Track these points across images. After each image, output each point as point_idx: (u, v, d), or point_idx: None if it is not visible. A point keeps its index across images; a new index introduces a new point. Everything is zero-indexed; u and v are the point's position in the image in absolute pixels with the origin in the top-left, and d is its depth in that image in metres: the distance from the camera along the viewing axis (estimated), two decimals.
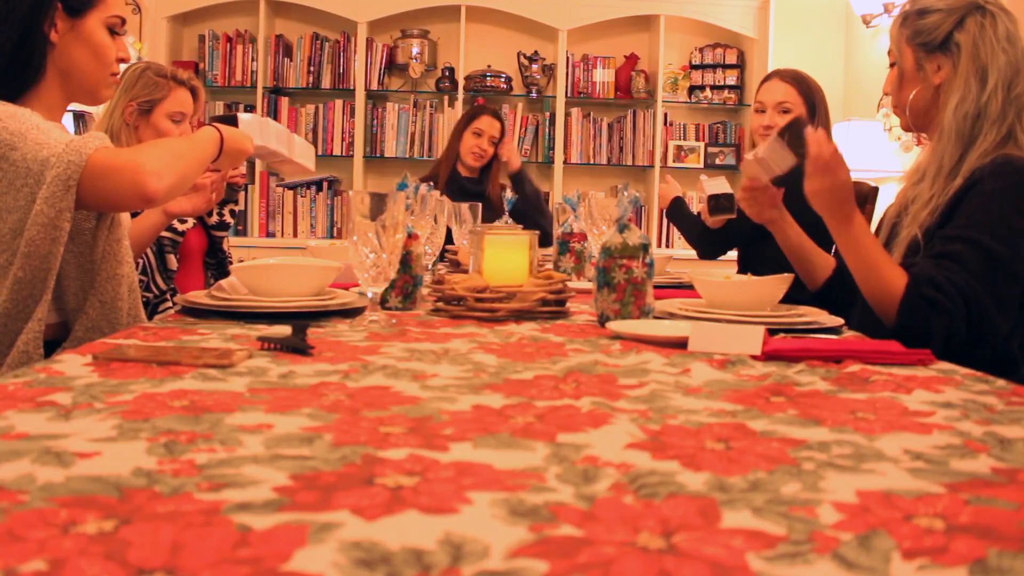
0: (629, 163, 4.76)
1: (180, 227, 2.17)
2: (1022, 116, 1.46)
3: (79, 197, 1.25)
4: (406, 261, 1.48)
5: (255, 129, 1.66)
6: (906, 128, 1.63)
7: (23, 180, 1.26)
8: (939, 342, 1.32)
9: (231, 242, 2.59)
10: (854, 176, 1.57)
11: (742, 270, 2.41)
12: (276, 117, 4.62)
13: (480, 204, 2.26)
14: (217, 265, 2.39)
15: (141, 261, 2.07)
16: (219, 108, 4.60)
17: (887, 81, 1.63)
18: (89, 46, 1.45)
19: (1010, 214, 1.37)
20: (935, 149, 1.51)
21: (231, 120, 1.63)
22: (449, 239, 2.10)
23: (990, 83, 1.45)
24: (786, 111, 2.36)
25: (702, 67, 4.81)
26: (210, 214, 2.31)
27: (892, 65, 1.60)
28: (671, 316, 1.36)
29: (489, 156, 3.45)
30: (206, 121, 1.99)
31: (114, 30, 1.48)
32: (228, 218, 2.35)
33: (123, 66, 1.57)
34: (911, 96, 1.55)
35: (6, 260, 1.26)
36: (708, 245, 2.63)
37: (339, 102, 4.65)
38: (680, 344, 1.12)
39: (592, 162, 4.76)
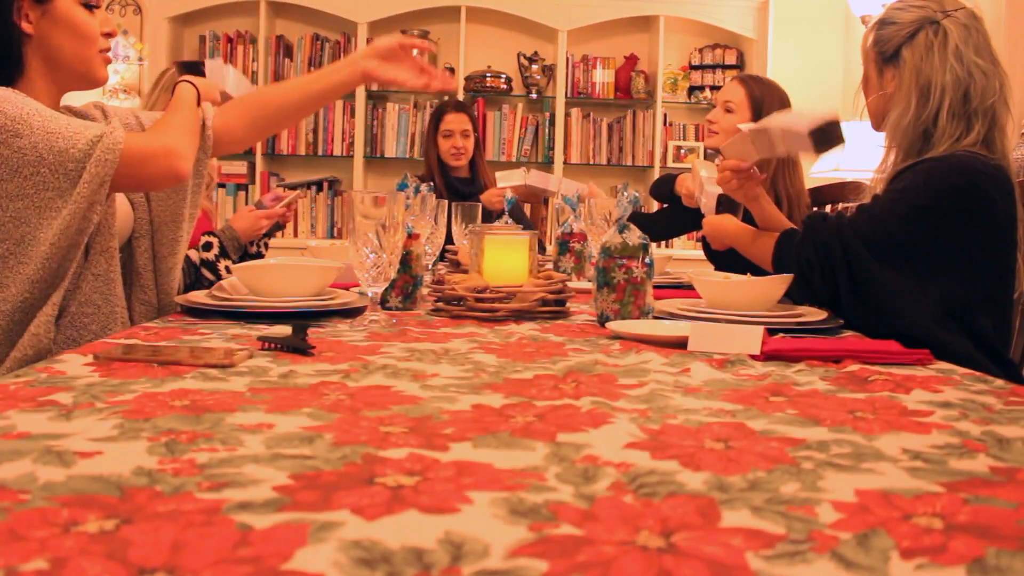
0: (629, 163, 4.76)
1: (227, 276, 2.10)
2: (996, 124, 1.50)
3: (112, 182, 1.30)
4: (406, 261, 1.48)
5: (218, 75, 1.72)
6: (875, 129, 1.68)
7: (32, 168, 1.24)
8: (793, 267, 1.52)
9: None
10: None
11: (708, 255, 2.45)
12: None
13: (480, 205, 2.25)
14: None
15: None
16: None
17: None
18: (67, 27, 1.38)
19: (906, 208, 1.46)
20: (884, 157, 1.59)
21: (197, 67, 1.66)
22: (449, 239, 2.10)
23: (933, 99, 1.49)
24: (728, 111, 2.44)
25: (702, 68, 4.81)
26: (252, 243, 2.31)
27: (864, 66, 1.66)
28: (671, 316, 1.36)
29: (468, 151, 3.35)
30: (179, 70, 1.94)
31: (89, 5, 1.41)
32: (263, 249, 2.37)
33: (119, 45, 1.52)
34: (869, 99, 1.62)
35: (6, 249, 1.25)
36: (653, 233, 2.79)
37: (339, 102, 4.64)
38: (680, 344, 1.12)
39: (592, 162, 4.76)
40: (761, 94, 2.43)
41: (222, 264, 2.07)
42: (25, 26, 1.35)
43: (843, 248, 1.47)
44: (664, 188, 2.70)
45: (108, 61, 1.48)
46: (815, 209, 2.30)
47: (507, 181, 3.13)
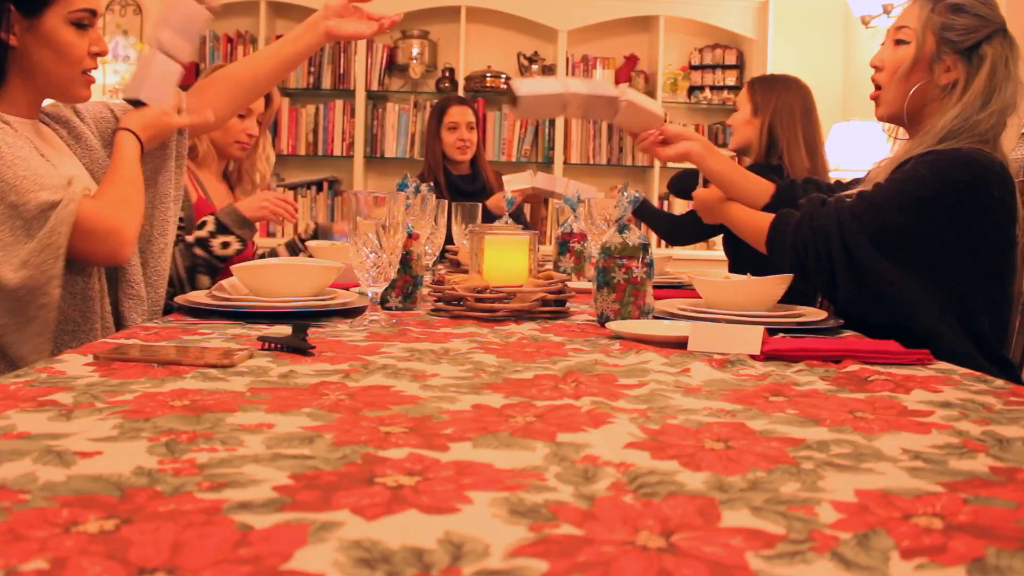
0: (629, 163, 4.76)
1: (221, 252, 2.04)
2: (1002, 133, 1.48)
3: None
4: (406, 261, 1.48)
5: (155, 86, 1.58)
6: (885, 115, 1.60)
7: None
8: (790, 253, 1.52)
9: None
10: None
11: (728, 250, 2.46)
12: (276, 117, 4.62)
13: (480, 205, 2.25)
14: None
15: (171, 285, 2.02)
16: None
17: (883, 57, 1.58)
18: (51, 45, 1.36)
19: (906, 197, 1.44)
20: (911, 148, 1.52)
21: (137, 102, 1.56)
22: (449, 239, 2.09)
23: (991, 106, 1.46)
24: (735, 110, 2.59)
25: (701, 68, 4.82)
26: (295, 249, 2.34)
27: (898, 42, 1.55)
28: (671, 316, 1.36)
29: (473, 144, 3.29)
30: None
31: (81, 24, 1.38)
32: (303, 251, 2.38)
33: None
34: (913, 89, 1.52)
35: None
36: (678, 234, 2.79)
37: (339, 102, 4.65)
38: (680, 344, 1.12)
39: (592, 162, 4.76)
40: (763, 92, 2.51)
41: (217, 240, 2.01)
42: (9, 39, 1.34)
43: (841, 234, 1.45)
44: (688, 182, 2.65)
45: (91, 81, 1.45)
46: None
47: (515, 184, 3.11)
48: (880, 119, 1.64)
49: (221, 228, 2.01)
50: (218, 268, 2.01)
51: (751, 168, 2.14)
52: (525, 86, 1.75)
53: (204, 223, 2.02)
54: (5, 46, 1.34)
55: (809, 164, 2.38)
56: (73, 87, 1.42)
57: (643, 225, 2.84)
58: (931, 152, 1.45)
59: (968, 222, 1.42)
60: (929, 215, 1.42)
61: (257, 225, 2.10)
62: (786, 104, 2.46)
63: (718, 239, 3.38)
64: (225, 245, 2.01)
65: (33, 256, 1.25)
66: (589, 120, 1.76)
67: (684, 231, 2.73)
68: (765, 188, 1.74)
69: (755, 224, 1.64)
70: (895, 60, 1.55)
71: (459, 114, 3.27)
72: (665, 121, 1.82)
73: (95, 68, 1.44)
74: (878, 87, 1.60)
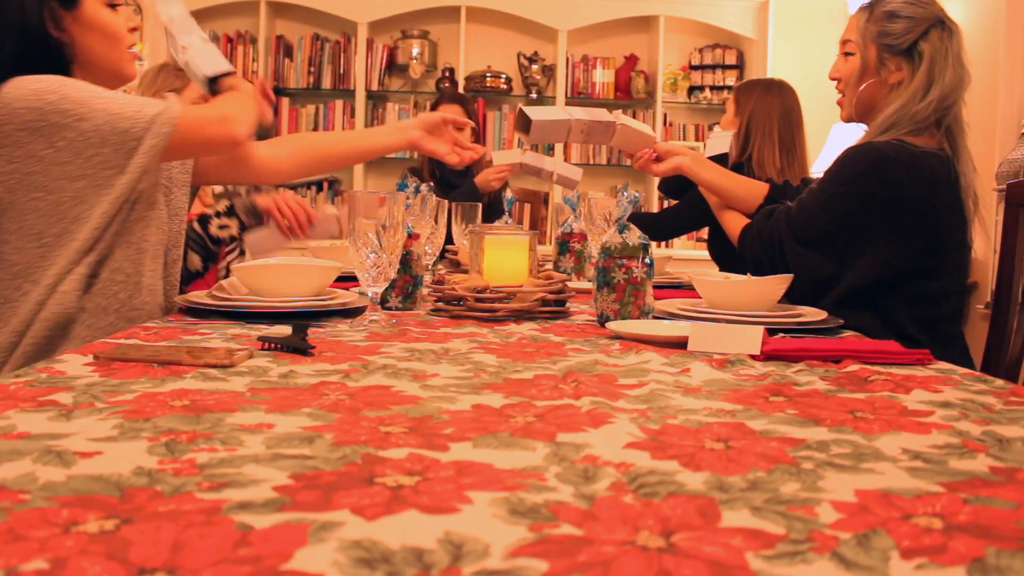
0: (629, 163, 4.75)
1: (217, 233, 1.96)
2: (947, 116, 1.56)
3: (171, 148, 1.34)
4: (406, 261, 1.48)
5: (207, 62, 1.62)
6: (847, 119, 1.72)
7: (95, 150, 1.28)
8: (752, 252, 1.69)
9: None
10: None
11: (712, 245, 2.49)
12: (276, 117, 4.62)
13: (479, 205, 2.25)
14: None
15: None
16: None
17: (838, 68, 1.72)
18: (97, 30, 1.42)
19: (825, 199, 1.57)
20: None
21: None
22: (449, 239, 2.09)
23: (931, 94, 1.55)
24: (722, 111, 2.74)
25: (701, 68, 4.82)
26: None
27: (845, 54, 1.69)
28: (671, 316, 1.36)
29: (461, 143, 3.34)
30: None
31: (114, 4, 1.45)
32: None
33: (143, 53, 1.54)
34: (862, 87, 1.64)
35: (63, 228, 1.29)
36: (660, 231, 2.84)
37: (339, 102, 4.65)
38: (680, 344, 1.12)
39: (592, 162, 4.76)
40: (742, 96, 2.58)
41: (215, 223, 1.95)
42: (58, 33, 1.39)
43: (780, 243, 1.59)
44: (678, 181, 2.68)
45: (136, 57, 1.51)
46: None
47: (503, 159, 3.15)
48: (844, 121, 1.75)
49: (229, 212, 1.97)
50: (210, 249, 1.96)
51: None
52: (536, 112, 1.84)
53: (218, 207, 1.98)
54: (61, 43, 1.39)
55: (782, 163, 2.42)
56: (123, 65, 1.48)
57: None
58: (847, 148, 1.56)
59: (873, 211, 1.50)
60: (838, 210, 1.53)
61: (268, 219, 2.04)
62: (764, 104, 2.51)
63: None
64: (223, 227, 1.96)
65: (140, 158, 1.31)
66: (590, 144, 1.88)
67: (665, 227, 2.81)
68: (758, 191, 1.85)
69: (733, 235, 1.80)
70: (847, 71, 1.69)
71: (450, 112, 3.28)
72: (656, 140, 1.92)
73: (135, 44, 1.50)
74: (842, 95, 1.73)
